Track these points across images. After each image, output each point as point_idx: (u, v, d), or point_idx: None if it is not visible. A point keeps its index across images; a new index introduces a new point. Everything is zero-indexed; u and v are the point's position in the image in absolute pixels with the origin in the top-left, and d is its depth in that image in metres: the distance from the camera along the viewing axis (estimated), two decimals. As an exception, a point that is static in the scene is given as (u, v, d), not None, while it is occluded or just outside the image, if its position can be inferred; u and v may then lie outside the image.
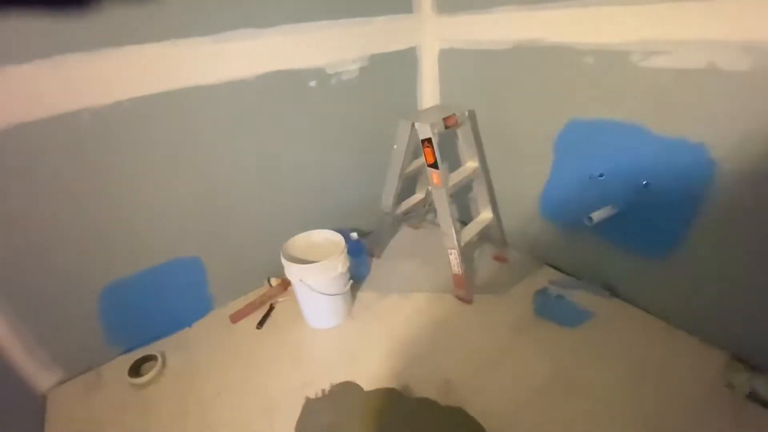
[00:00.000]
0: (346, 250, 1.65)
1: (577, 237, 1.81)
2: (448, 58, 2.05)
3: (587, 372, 1.43)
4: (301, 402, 1.41)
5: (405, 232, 2.40)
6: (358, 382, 1.47)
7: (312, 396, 1.43)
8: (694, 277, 1.46)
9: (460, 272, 1.76)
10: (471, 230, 1.87)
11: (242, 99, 1.63)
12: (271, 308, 1.87)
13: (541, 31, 1.58)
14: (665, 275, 1.54)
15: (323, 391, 1.45)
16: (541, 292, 1.79)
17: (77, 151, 1.34)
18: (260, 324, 1.79)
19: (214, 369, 1.59)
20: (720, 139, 1.24)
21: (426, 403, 1.37)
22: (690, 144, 1.30)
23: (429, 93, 2.24)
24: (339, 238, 1.71)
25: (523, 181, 1.95)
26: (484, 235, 2.01)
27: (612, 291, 1.75)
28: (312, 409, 1.39)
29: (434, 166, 1.63)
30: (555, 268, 1.99)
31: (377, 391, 1.42)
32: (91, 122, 1.32)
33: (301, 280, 1.57)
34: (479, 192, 1.93)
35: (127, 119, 1.39)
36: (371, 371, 1.50)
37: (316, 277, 1.56)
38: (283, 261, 1.59)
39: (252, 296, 1.93)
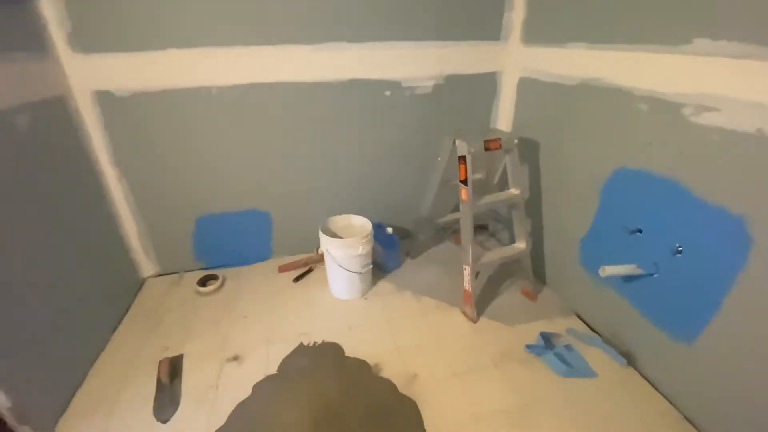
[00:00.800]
0: (370, 237, 1.89)
1: (606, 293, 1.68)
2: (526, 87, 2.10)
3: (550, 421, 1.38)
4: (296, 344, 1.71)
5: (448, 244, 2.51)
6: (343, 346, 1.70)
7: (305, 343, 1.72)
8: (715, 370, 1.26)
9: (470, 289, 1.82)
10: (495, 254, 1.90)
11: (326, 97, 2.01)
12: (310, 270, 2.23)
13: (604, 71, 1.55)
14: (686, 360, 1.35)
15: (314, 342, 1.72)
16: (549, 335, 1.72)
17: (207, 114, 1.90)
18: (296, 279, 2.17)
19: (251, 300, 2.02)
20: (762, 215, 1.08)
21: (386, 384, 1.52)
22: (729, 215, 1.15)
23: (504, 118, 2.30)
24: (368, 225, 1.96)
25: (569, 222, 1.88)
26: (517, 266, 2.01)
27: (629, 360, 1.58)
28: (300, 351, 1.68)
29: (464, 182, 1.74)
30: (582, 320, 1.86)
31: (353, 359, 1.63)
32: (220, 93, 1.86)
33: (327, 251, 1.87)
34: (516, 221, 1.94)
35: (242, 98, 1.90)
36: (357, 344, 1.71)
37: (337, 251, 1.84)
38: (320, 232, 1.91)
39: (300, 257, 2.32)
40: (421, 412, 1.41)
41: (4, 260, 1.25)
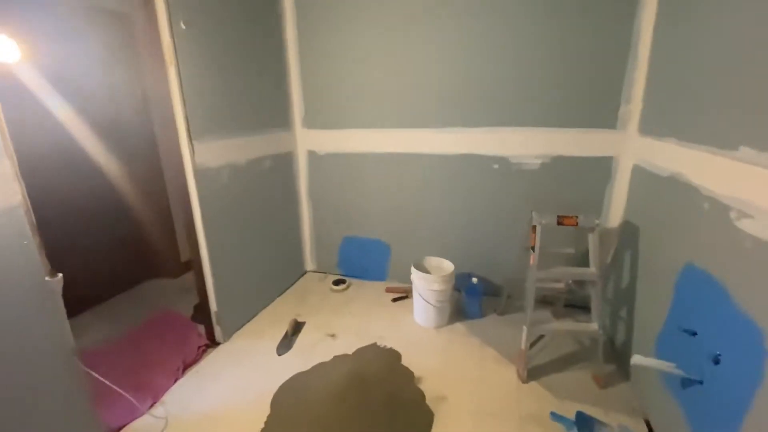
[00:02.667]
0: (448, 278, 2.29)
1: (663, 393, 1.54)
2: (638, 174, 2.12)
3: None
4: (371, 341, 2.27)
5: (544, 314, 2.55)
6: (402, 355, 2.14)
7: (378, 343, 2.25)
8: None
9: (524, 348, 1.96)
10: (560, 325, 1.98)
11: (445, 165, 2.61)
12: (406, 296, 2.76)
13: (684, 167, 1.57)
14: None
15: (384, 345, 2.23)
16: (589, 417, 1.67)
17: (365, 168, 2.80)
18: (395, 300, 2.74)
19: (360, 304, 2.71)
20: (778, 332, 1.01)
21: (417, 391, 1.87)
22: (754, 327, 1.09)
23: (618, 202, 2.31)
24: (451, 269, 2.36)
25: (648, 313, 1.78)
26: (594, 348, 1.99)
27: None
28: (372, 347, 2.22)
29: (533, 249, 1.96)
30: (650, 428, 1.68)
31: (404, 366, 2.05)
32: (364, 160, 2.75)
33: (413, 280, 2.38)
34: (593, 300, 1.95)
35: (389, 161, 2.72)
36: (413, 358, 2.12)
37: (419, 282, 2.33)
38: (412, 266, 2.45)
39: (404, 285, 2.88)
40: (433, 427, 1.70)
41: (248, 234, 2.36)
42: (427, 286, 2.29)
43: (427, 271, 2.50)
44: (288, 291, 2.93)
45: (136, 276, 3.04)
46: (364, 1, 2.47)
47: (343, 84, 2.68)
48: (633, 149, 2.17)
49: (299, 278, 3.12)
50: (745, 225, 1.17)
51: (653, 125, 1.94)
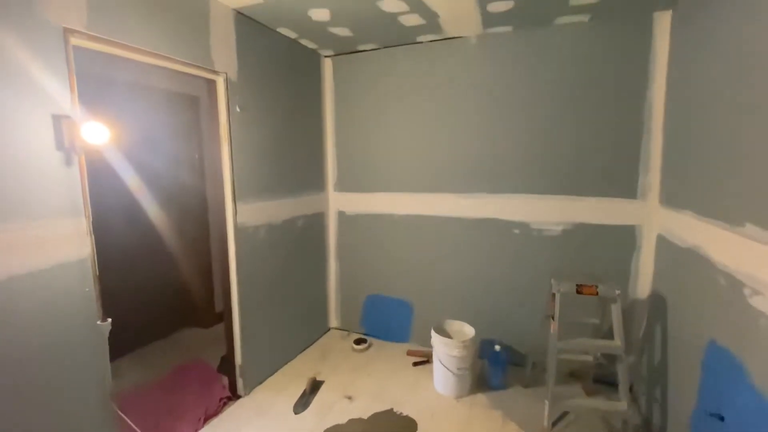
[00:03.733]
0: (468, 344, 2.26)
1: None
2: (663, 244, 2.09)
3: None
4: (389, 408, 2.23)
5: (574, 389, 2.40)
6: (418, 425, 2.08)
7: (395, 410, 2.21)
8: None
9: (546, 426, 1.85)
10: (585, 402, 1.87)
11: (466, 229, 2.70)
12: (428, 361, 2.71)
13: (700, 240, 1.57)
14: None
15: (401, 412, 2.18)
16: None
17: (390, 229, 2.95)
18: (415, 364, 2.70)
19: (380, 366, 2.70)
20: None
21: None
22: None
23: (645, 271, 2.26)
24: (472, 333, 2.34)
25: (680, 394, 1.66)
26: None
27: None
28: (387, 413, 2.18)
29: (552, 317, 1.94)
30: None
31: (418, 435, 1.99)
32: (391, 221, 2.90)
33: (432, 344, 2.37)
34: (620, 375, 1.85)
35: (411, 222, 2.87)
36: (427, 427, 2.06)
37: (439, 347, 2.31)
38: (432, 329, 2.45)
39: (426, 349, 2.84)
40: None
41: (278, 289, 2.52)
42: (448, 352, 2.27)
43: (448, 335, 2.48)
44: (311, 347, 2.98)
45: (173, 324, 3.24)
46: (394, 83, 2.80)
47: (373, 152, 2.94)
48: (656, 219, 2.17)
49: (323, 335, 3.18)
50: (758, 302, 1.15)
51: (672, 196, 1.96)
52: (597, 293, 1.89)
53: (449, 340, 2.29)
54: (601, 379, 2.35)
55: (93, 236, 1.48)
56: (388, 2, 2.00)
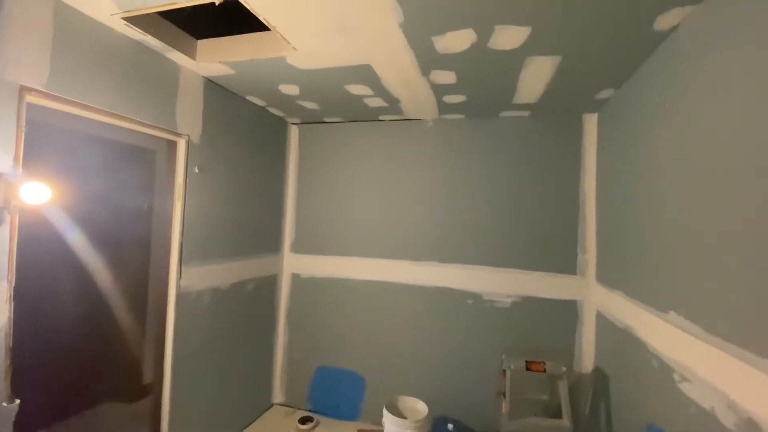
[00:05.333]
0: (422, 423, 2.16)
1: None
2: (601, 322, 2.23)
3: None
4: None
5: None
6: None
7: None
8: None
9: None
10: (537, 488, 1.81)
11: (421, 297, 2.72)
12: (379, 442, 2.54)
13: (634, 321, 1.69)
14: None
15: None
16: None
17: (344, 294, 2.89)
18: (365, 446, 2.51)
19: (325, 449, 2.47)
20: None
21: None
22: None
23: (588, 345, 2.37)
24: (425, 412, 2.25)
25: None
26: None
27: None
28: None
29: (503, 395, 1.93)
30: None
31: None
32: (346, 285, 2.86)
33: (384, 424, 2.24)
34: (570, 458, 1.84)
35: (368, 288, 2.84)
36: None
37: (390, 427, 2.19)
38: (384, 407, 2.33)
39: (379, 428, 2.67)
40: None
41: (218, 360, 2.31)
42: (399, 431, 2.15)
43: (401, 413, 2.37)
44: (250, 426, 2.69)
45: (92, 398, 2.80)
46: (356, 154, 2.93)
47: (332, 216, 2.97)
48: (594, 295, 2.33)
49: (265, 411, 2.90)
50: (687, 389, 1.23)
51: (606, 275, 2.14)
52: (545, 370, 1.94)
53: (402, 420, 2.18)
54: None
55: (13, 303, 1.31)
56: (355, 87, 2.17)
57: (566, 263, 2.47)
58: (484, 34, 1.53)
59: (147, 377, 2.93)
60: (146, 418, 2.13)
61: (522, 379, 2.09)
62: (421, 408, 2.37)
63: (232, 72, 2.06)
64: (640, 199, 1.71)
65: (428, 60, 1.79)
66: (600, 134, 2.36)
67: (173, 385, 2.08)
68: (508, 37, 1.55)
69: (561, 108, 2.37)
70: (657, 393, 1.43)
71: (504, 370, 1.97)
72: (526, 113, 2.52)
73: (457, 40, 1.60)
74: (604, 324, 2.14)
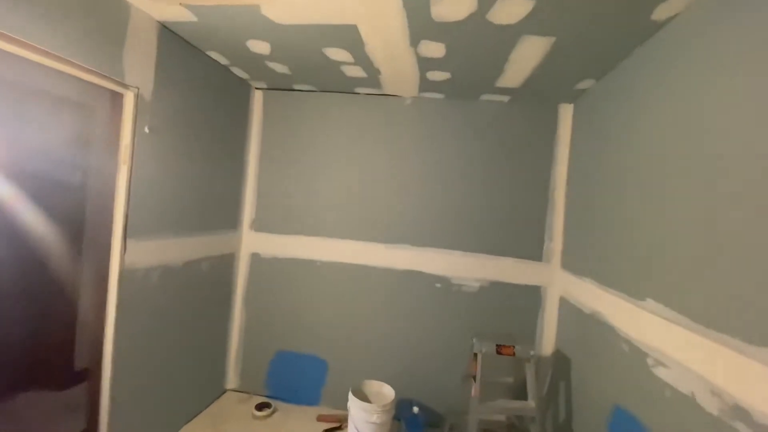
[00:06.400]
0: (389, 408, 2.12)
1: None
2: (564, 305, 2.30)
3: None
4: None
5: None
6: None
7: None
8: None
9: (467, 498, 1.77)
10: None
11: (390, 279, 2.65)
12: (341, 427, 2.47)
13: (602, 306, 1.74)
14: None
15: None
16: None
17: (308, 276, 2.74)
18: (326, 431, 2.43)
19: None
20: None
21: None
22: (684, 483, 1.11)
23: (549, 330, 2.46)
24: (391, 396, 2.21)
25: (589, 456, 1.76)
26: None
27: None
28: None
29: (474, 378, 1.94)
30: None
31: None
32: (311, 267, 2.72)
33: (349, 409, 2.17)
34: (533, 437, 1.90)
35: (334, 271, 2.71)
36: None
37: (356, 412, 2.12)
38: (350, 391, 2.26)
39: (339, 413, 2.60)
40: None
41: (166, 344, 2.07)
42: (366, 418, 2.08)
43: (366, 398, 2.31)
44: (201, 414, 2.49)
45: (14, 384, 2.43)
46: (327, 128, 2.75)
47: (298, 193, 2.78)
48: (558, 282, 2.40)
49: (217, 398, 2.70)
50: (662, 373, 1.28)
51: (573, 263, 2.20)
52: (514, 353, 1.96)
53: (368, 404, 2.12)
54: (511, 437, 2.40)
55: None
56: (335, 51, 1.99)
57: (533, 250, 2.52)
58: (485, 3, 1.44)
59: (81, 362, 2.61)
60: (81, 407, 1.88)
61: (490, 362, 2.10)
62: (387, 392, 2.33)
63: (194, 19, 1.79)
64: (614, 191, 1.74)
65: (420, 27, 1.66)
66: (574, 125, 2.40)
67: (114, 371, 1.84)
68: (509, 10, 1.47)
69: (540, 96, 2.36)
70: (627, 376, 1.49)
71: (475, 354, 1.97)
72: (505, 98, 2.49)
73: (454, 8, 1.49)
74: (568, 309, 2.21)
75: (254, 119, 2.84)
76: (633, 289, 1.51)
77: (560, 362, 2.24)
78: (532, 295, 2.51)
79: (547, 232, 2.49)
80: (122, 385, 1.88)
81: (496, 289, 2.54)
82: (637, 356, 1.43)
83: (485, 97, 2.51)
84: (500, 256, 2.55)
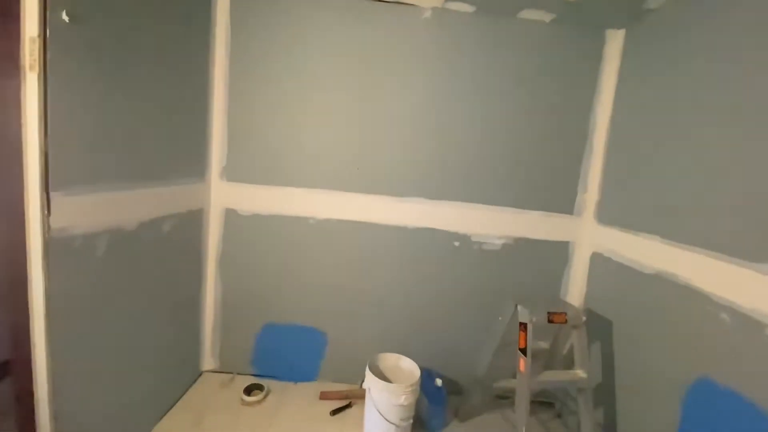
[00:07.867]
0: (416, 387, 1.82)
1: None
2: (600, 263, 2.08)
3: None
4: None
5: (504, 414, 2.24)
6: None
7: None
8: None
9: (518, 482, 1.57)
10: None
11: (401, 239, 2.25)
12: (349, 405, 2.16)
13: (679, 268, 1.51)
14: None
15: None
16: None
17: (301, 237, 2.24)
18: (333, 412, 2.10)
19: (284, 425, 1.99)
20: None
21: None
22: None
23: (576, 289, 2.25)
24: (416, 372, 1.91)
25: (649, 429, 1.61)
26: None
27: None
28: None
29: (523, 351, 1.67)
30: None
31: None
32: (303, 226, 2.23)
33: (369, 391, 1.84)
34: (583, 408, 1.72)
35: (332, 230, 2.24)
36: None
37: (379, 395, 1.80)
38: (367, 369, 1.92)
39: (343, 388, 2.29)
40: None
41: (123, 326, 1.53)
42: (393, 401, 1.77)
43: (381, 374, 1.99)
44: (177, 405, 2.04)
45: None
46: (318, 45, 2.12)
47: (282, 131, 2.18)
48: (591, 237, 2.17)
49: (191, 384, 2.24)
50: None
51: (619, 216, 1.95)
52: (566, 321, 1.72)
53: (394, 385, 1.80)
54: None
55: None
56: None
57: (563, 202, 2.23)
58: None
59: (1, 353, 1.98)
60: (10, 413, 1.34)
61: (515, 329, 1.85)
62: (407, 366, 2.03)
63: None
64: (692, 132, 1.45)
65: None
66: (626, 54, 2.02)
67: (53, 364, 1.30)
68: None
69: (591, 15, 1.94)
70: (726, 347, 1.28)
71: (525, 324, 1.69)
72: (548, 17, 2.03)
73: None
74: (608, 267, 1.99)
75: (219, 34, 2.11)
76: (742, 249, 1.26)
77: (594, 325, 2.06)
78: (559, 251, 2.27)
79: (581, 181, 2.21)
80: (66, 380, 1.35)
81: (522, 246, 2.26)
82: (747, 327, 1.21)
83: (525, 14, 2.03)
84: (527, 210, 2.24)
